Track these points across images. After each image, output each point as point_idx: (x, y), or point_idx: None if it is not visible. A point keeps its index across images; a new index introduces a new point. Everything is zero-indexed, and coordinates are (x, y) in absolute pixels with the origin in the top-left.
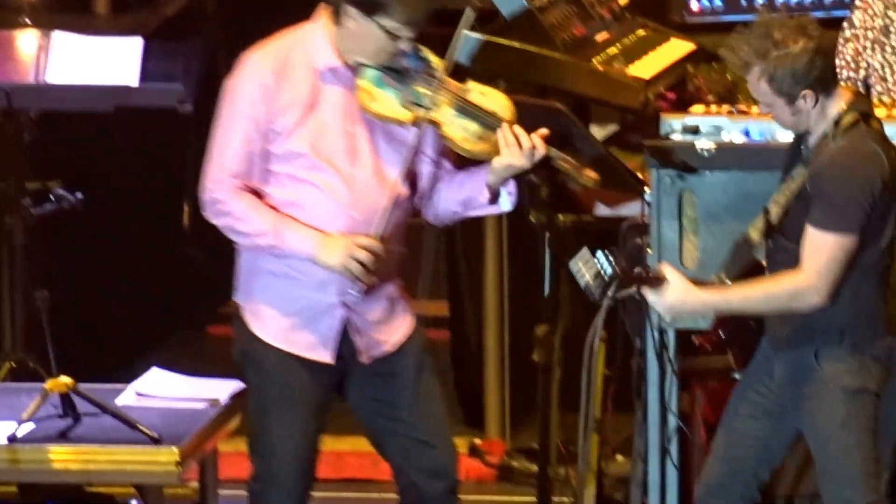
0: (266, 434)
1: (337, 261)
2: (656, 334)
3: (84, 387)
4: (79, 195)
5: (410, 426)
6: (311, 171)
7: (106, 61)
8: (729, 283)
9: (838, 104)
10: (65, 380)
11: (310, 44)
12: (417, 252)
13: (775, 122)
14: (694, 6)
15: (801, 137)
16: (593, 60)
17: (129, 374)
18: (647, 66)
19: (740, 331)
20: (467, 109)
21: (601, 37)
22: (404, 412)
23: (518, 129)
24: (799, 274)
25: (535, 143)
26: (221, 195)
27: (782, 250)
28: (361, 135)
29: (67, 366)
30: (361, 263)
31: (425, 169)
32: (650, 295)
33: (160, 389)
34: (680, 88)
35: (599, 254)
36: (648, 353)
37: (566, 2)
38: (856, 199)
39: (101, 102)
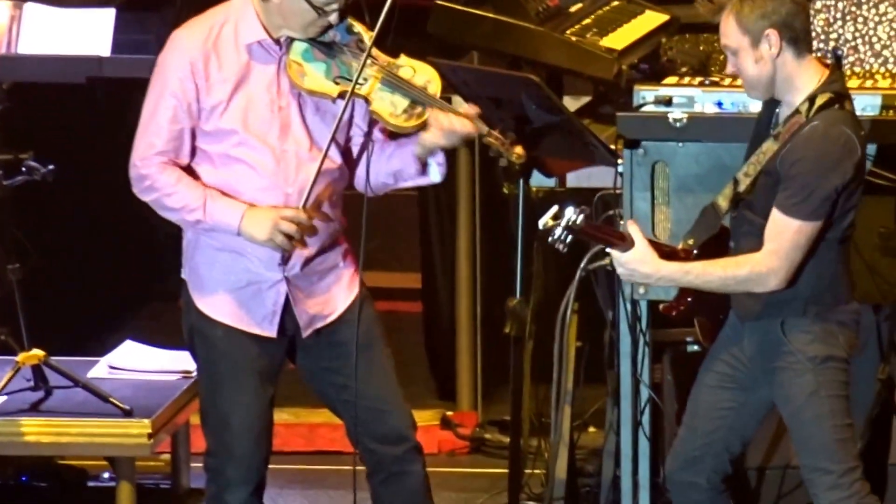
0: (218, 408)
1: (262, 235)
2: (629, 306)
3: (56, 359)
4: (50, 167)
5: (360, 394)
6: (242, 148)
7: (78, 32)
8: (695, 248)
9: (812, 79)
10: (37, 352)
11: (238, 19)
12: (391, 224)
13: (740, 78)
14: None
15: (770, 109)
16: (567, 31)
17: (102, 346)
18: (620, 38)
19: (707, 301)
20: (396, 85)
21: (575, 7)
22: (351, 380)
23: (450, 113)
24: (760, 256)
25: (467, 127)
26: (148, 171)
27: (746, 222)
28: (293, 109)
29: (40, 338)
30: (288, 236)
31: (357, 140)
32: (612, 251)
33: (133, 362)
34: (653, 59)
35: (569, 208)
36: (621, 325)
37: None
38: (825, 189)
39: (74, 73)
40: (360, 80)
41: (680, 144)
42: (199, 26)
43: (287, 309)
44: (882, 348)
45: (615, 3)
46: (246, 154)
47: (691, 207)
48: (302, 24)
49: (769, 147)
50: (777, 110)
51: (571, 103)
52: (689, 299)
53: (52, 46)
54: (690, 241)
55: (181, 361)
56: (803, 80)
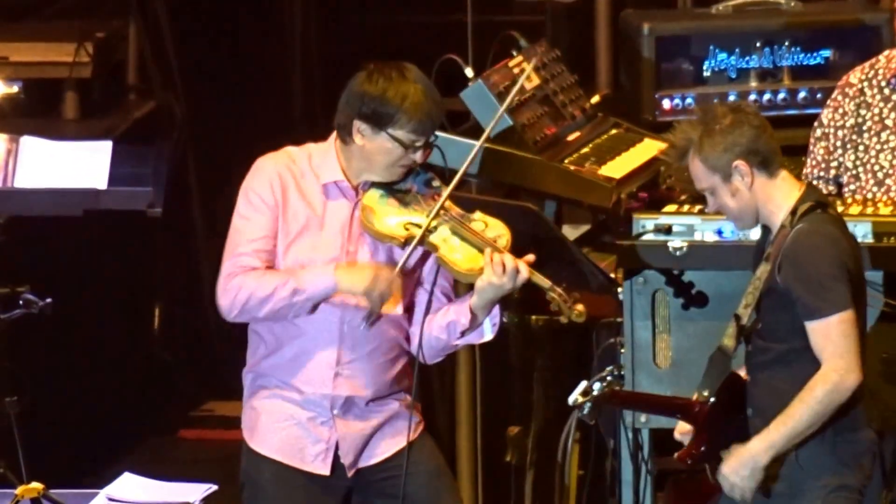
0: None
1: (363, 283)
2: (630, 434)
3: (55, 493)
4: (48, 300)
5: None
6: None
7: (75, 166)
8: (710, 398)
9: (791, 193)
10: (36, 486)
11: (318, 159)
12: None
13: (724, 216)
14: (665, 104)
15: (765, 236)
16: (565, 160)
17: (100, 479)
18: (619, 166)
19: (721, 444)
20: (464, 235)
21: (573, 136)
22: None
23: (509, 256)
24: (823, 369)
25: (520, 266)
26: (234, 280)
27: (760, 351)
28: (363, 254)
29: (38, 471)
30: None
31: (420, 299)
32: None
33: (132, 494)
34: (652, 188)
35: (596, 383)
36: (623, 454)
37: (538, 102)
38: (834, 275)
39: (71, 206)
40: (430, 228)
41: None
42: (281, 155)
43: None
44: (885, 474)
45: (613, 132)
46: None
47: (692, 335)
48: (386, 163)
49: (763, 270)
50: (769, 235)
51: (571, 232)
52: (702, 448)
53: (49, 180)
54: (705, 393)
55: (180, 493)
56: (783, 195)
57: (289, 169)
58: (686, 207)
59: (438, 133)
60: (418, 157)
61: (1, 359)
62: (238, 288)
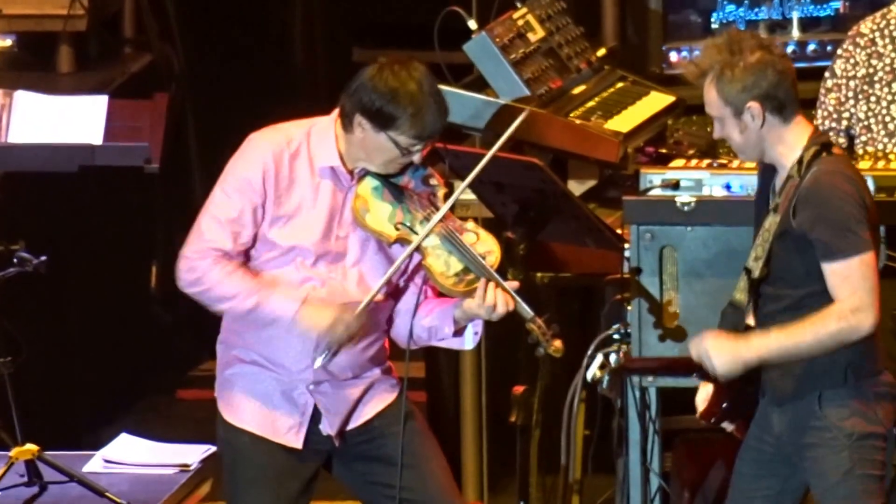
0: None
1: (324, 322)
2: (637, 393)
3: (51, 454)
4: (43, 258)
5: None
6: (290, 267)
7: (70, 120)
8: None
9: (802, 137)
10: (30, 447)
11: (317, 140)
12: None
13: (731, 146)
14: (673, 57)
15: (766, 182)
16: (570, 114)
17: (97, 440)
18: (625, 120)
19: (742, 401)
20: (455, 246)
21: (579, 90)
22: (404, 492)
23: (499, 292)
24: (839, 304)
25: (509, 308)
26: (199, 263)
27: (771, 299)
28: (352, 241)
29: (33, 433)
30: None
31: (409, 291)
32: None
33: (129, 455)
34: (660, 142)
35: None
36: (630, 413)
37: (543, 54)
38: (856, 217)
39: (66, 162)
40: (421, 232)
41: (688, 228)
42: (278, 135)
43: (315, 421)
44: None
45: (620, 85)
46: (291, 272)
47: (700, 293)
48: (383, 160)
49: (772, 222)
50: (773, 182)
51: (577, 187)
52: (724, 405)
53: (43, 135)
54: None
55: (178, 454)
56: (794, 139)
57: (284, 150)
58: (694, 162)
59: (442, 87)
60: (416, 158)
61: None
62: (202, 274)
